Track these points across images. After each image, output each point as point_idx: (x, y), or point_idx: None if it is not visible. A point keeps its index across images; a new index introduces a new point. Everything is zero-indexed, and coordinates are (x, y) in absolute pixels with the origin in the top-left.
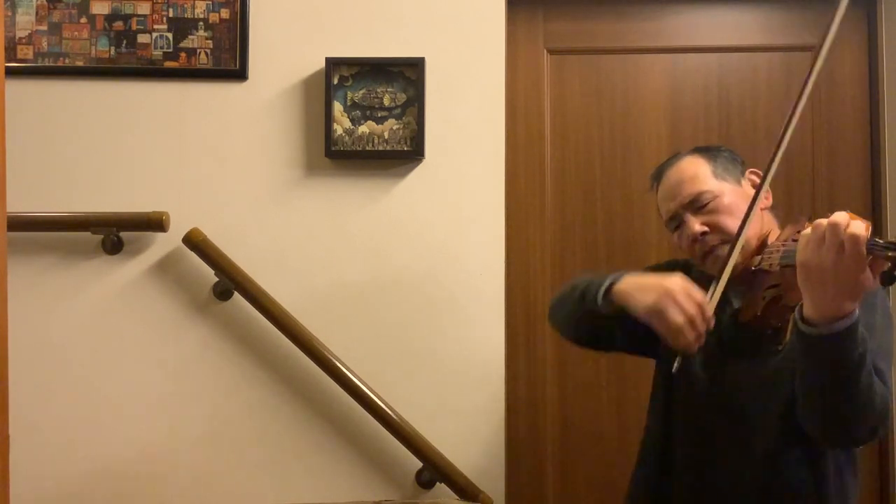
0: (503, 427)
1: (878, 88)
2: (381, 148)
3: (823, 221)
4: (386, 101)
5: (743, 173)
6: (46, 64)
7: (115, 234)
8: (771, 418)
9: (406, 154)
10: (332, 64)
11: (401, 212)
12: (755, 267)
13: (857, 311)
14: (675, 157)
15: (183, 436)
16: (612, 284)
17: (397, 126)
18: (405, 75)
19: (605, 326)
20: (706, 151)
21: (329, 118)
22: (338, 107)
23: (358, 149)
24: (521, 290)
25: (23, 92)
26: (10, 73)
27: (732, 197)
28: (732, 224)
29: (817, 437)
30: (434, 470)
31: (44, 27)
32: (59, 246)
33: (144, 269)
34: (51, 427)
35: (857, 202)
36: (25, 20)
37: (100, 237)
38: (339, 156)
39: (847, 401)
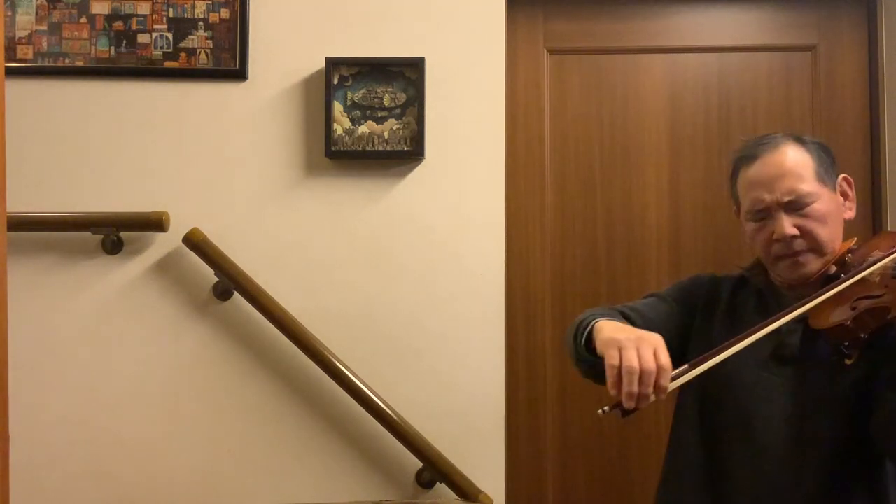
0: (503, 427)
1: (878, 88)
2: (381, 148)
3: None
4: (386, 101)
5: (837, 176)
6: (46, 64)
7: (115, 234)
8: (832, 436)
9: (406, 154)
10: (332, 64)
11: (401, 212)
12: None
13: None
14: (768, 139)
15: (183, 436)
16: (597, 322)
17: (397, 126)
18: (405, 75)
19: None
20: (806, 144)
21: (329, 118)
22: (338, 107)
23: (358, 149)
24: (521, 290)
25: (23, 92)
26: (10, 73)
27: (829, 204)
28: (824, 233)
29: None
30: (434, 470)
31: (44, 27)
32: (59, 246)
33: (144, 269)
34: (51, 427)
35: (856, 202)
36: (25, 20)
37: (100, 237)
38: (339, 156)
39: None
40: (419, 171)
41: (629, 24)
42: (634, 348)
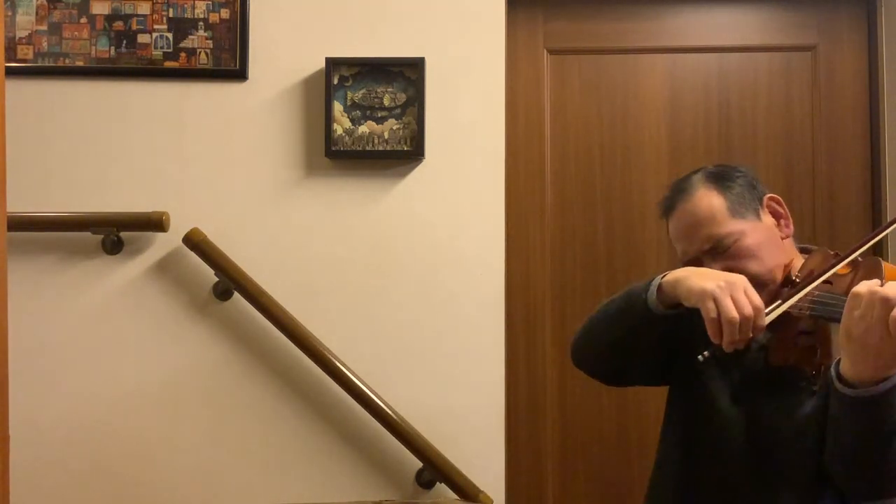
0: (503, 427)
1: (878, 88)
2: (381, 148)
3: (871, 291)
4: (386, 101)
5: (761, 201)
6: (46, 64)
7: (115, 234)
8: (804, 460)
9: (406, 154)
10: (332, 64)
11: (401, 212)
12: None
13: None
14: (685, 184)
15: (183, 436)
16: (663, 278)
17: (397, 126)
18: (405, 75)
19: (642, 343)
20: (719, 181)
21: (329, 118)
22: (338, 107)
23: (358, 149)
24: (521, 290)
25: (23, 92)
26: (10, 73)
27: (757, 236)
28: (755, 267)
29: (843, 489)
30: (434, 470)
31: (44, 27)
32: (59, 246)
33: (144, 269)
34: (51, 427)
35: (857, 202)
36: (25, 20)
37: (100, 237)
38: (339, 156)
39: (881, 461)
40: (419, 171)
41: (629, 24)
42: (729, 296)
